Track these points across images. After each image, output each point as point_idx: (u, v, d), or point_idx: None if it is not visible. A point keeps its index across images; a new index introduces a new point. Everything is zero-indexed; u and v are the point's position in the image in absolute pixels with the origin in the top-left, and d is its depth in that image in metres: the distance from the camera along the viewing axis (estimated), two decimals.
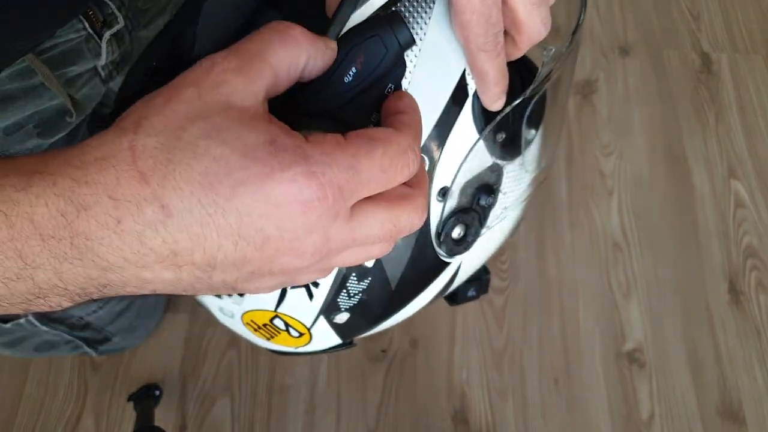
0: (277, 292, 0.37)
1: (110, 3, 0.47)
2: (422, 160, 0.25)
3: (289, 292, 0.36)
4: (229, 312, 0.39)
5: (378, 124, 0.28)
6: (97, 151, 0.19)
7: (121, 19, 0.49)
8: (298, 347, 0.42)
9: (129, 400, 0.87)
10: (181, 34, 0.31)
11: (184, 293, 0.22)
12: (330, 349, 0.44)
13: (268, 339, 0.41)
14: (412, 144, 0.23)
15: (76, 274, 0.19)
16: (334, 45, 0.25)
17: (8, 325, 0.54)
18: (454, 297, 0.43)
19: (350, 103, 0.27)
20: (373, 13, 0.28)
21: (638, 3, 1.28)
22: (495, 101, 0.31)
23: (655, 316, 0.99)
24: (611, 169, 1.11)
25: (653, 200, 1.08)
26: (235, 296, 0.37)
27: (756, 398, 0.94)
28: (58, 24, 0.43)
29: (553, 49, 0.32)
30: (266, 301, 0.37)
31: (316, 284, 0.36)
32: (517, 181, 0.36)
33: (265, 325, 0.39)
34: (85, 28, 0.46)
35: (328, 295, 0.37)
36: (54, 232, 0.18)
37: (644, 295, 1.01)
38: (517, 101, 0.32)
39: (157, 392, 0.88)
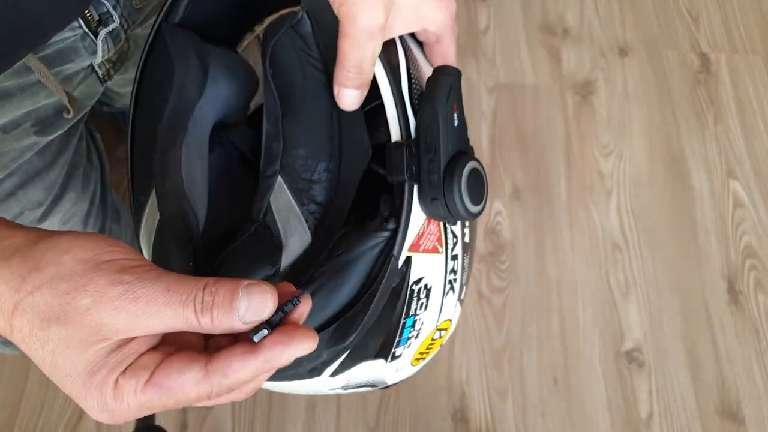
0: (437, 312, 0.42)
1: (105, 2, 0.47)
2: None
3: (445, 301, 0.42)
4: (403, 364, 0.43)
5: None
6: (3, 283, 0.25)
7: (116, 17, 0.49)
8: (441, 345, 0.48)
9: None
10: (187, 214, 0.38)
11: None
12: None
13: (424, 359, 0.46)
14: (209, 393, 0.26)
15: None
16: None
17: None
18: None
19: (464, 134, 0.38)
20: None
21: (637, 4, 1.28)
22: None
23: (654, 315, 1.00)
24: (610, 170, 1.11)
25: (652, 200, 1.09)
26: (412, 343, 0.41)
27: (755, 397, 0.94)
28: (60, 27, 0.44)
29: None
30: (430, 325, 0.42)
31: (455, 279, 0.42)
32: None
33: (426, 348, 0.44)
34: (80, 27, 0.46)
35: (460, 280, 0.44)
36: None
37: (643, 294, 1.01)
38: None
39: None
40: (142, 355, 0.27)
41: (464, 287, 0.47)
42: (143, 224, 0.39)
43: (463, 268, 0.44)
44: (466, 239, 0.45)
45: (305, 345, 0.27)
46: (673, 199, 1.09)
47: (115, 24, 0.49)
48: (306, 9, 0.37)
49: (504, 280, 1.01)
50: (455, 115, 0.36)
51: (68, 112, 0.50)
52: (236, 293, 0.26)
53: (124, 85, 0.61)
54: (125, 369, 0.26)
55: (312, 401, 0.92)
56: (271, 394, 0.92)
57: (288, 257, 0.37)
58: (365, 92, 0.37)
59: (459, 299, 0.46)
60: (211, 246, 0.39)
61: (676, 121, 1.16)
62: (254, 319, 0.26)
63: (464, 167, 0.36)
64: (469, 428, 0.91)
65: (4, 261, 0.26)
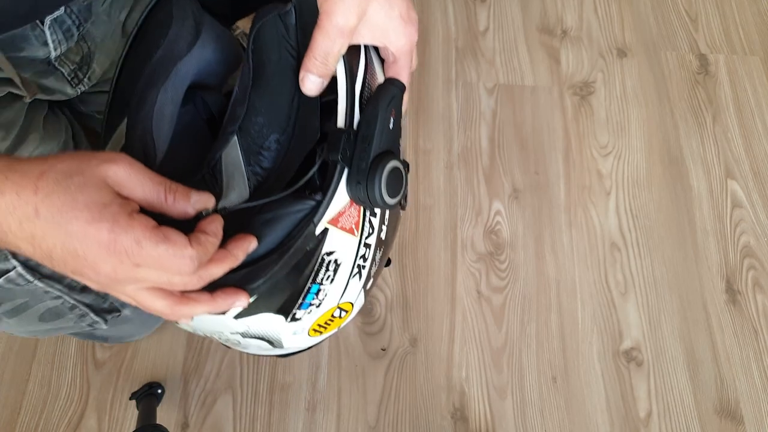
0: (341, 290, 0.48)
1: None
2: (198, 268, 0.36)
3: (350, 282, 0.48)
4: (301, 329, 0.49)
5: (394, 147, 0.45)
6: (25, 165, 0.33)
7: (61, 8, 0.50)
8: (340, 326, 0.54)
9: (131, 398, 0.88)
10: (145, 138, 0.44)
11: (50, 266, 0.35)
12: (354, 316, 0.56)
13: (321, 334, 0.52)
14: (194, 256, 0.34)
15: None
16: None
17: (1, 281, 0.56)
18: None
19: (394, 138, 0.44)
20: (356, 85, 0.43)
21: (636, 5, 1.28)
22: (404, 109, 0.47)
23: (652, 315, 1.00)
24: (609, 170, 1.12)
25: (651, 200, 1.09)
26: (313, 310, 0.47)
27: (753, 397, 0.95)
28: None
29: None
30: (332, 300, 0.48)
31: (364, 266, 0.49)
32: None
33: (326, 322, 0.50)
34: None
35: (368, 269, 0.50)
36: None
37: (642, 294, 1.01)
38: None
39: (160, 390, 0.89)
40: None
41: (371, 280, 0.53)
42: (109, 146, 0.45)
43: (373, 260, 0.50)
44: (382, 236, 0.50)
45: (249, 241, 0.39)
46: (671, 199, 1.09)
47: (59, 12, 0.50)
48: (295, 5, 0.42)
49: (503, 279, 1.02)
50: (392, 119, 0.43)
51: (24, 95, 0.51)
52: (191, 190, 0.37)
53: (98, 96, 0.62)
54: (136, 211, 0.34)
55: (313, 401, 0.92)
56: (272, 394, 0.92)
57: (223, 205, 0.42)
58: (325, 83, 0.43)
59: (364, 287, 0.52)
60: None
61: (675, 121, 1.16)
62: (200, 207, 0.37)
63: (388, 162, 0.42)
64: (469, 427, 0.92)
65: (22, 161, 0.33)
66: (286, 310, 0.45)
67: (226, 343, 0.53)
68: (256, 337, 0.48)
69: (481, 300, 1.00)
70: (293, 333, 0.49)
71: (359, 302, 0.53)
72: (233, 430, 0.90)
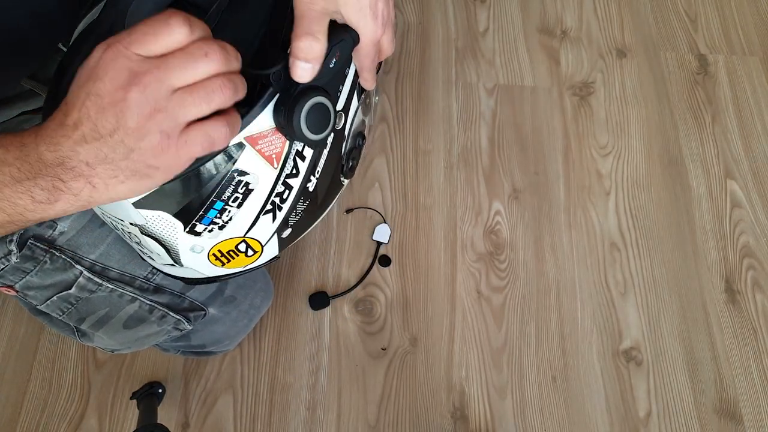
0: (249, 221, 0.48)
1: None
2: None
3: (261, 218, 0.49)
4: (200, 248, 0.49)
5: (347, 93, 0.50)
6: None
7: None
8: (246, 266, 0.54)
9: (132, 398, 0.88)
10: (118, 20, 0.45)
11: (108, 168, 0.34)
12: (265, 263, 0.56)
13: (223, 265, 0.52)
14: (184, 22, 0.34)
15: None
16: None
17: (73, 290, 0.56)
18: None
19: (331, 79, 0.46)
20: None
21: (636, 5, 1.29)
22: (369, 87, 0.53)
23: (652, 315, 1.00)
24: (609, 170, 1.12)
25: (650, 200, 1.09)
26: (215, 230, 0.48)
27: (753, 396, 0.95)
28: (49, 48, 0.49)
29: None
30: (238, 229, 0.49)
31: (280, 207, 0.50)
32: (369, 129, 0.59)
33: (229, 251, 0.51)
34: None
35: (285, 213, 0.51)
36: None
37: (641, 294, 1.02)
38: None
39: (160, 390, 0.89)
40: None
41: (290, 229, 0.54)
42: (81, 25, 0.45)
43: (293, 207, 0.51)
44: (309, 186, 0.51)
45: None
46: (671, 199, 1.10)
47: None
48: None
49: (503, 279, 1.02)
50: (335, 60, 0.45)
51: None
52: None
53: None
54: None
55: (313, 401, 0.92)
56: (272, 394, 0.93)
57: None
58: (316, 69, 0.43)
59: (278, 233, 0.52)
60: None
61: (674, 121, 1.17)
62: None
63: (315, 96, 0.43)
64: (469, 427, 0.92)
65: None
66: (186, 217, 0.46)
67: (129, 242, 0.53)
68: (153, 238, 0.48)
69: (481, 300, 1.00)
70: (191, 248, 0.49)
71: (271, 249, 0.53)
72: (234, 430, 0.90)
